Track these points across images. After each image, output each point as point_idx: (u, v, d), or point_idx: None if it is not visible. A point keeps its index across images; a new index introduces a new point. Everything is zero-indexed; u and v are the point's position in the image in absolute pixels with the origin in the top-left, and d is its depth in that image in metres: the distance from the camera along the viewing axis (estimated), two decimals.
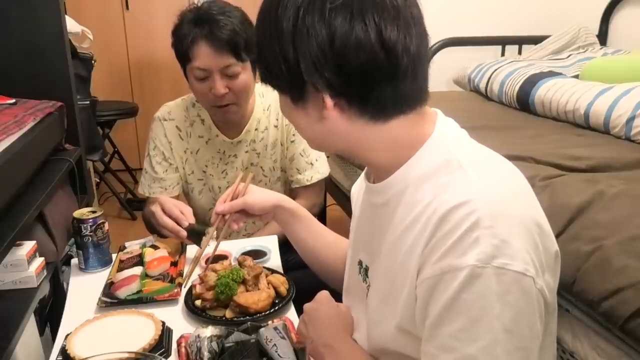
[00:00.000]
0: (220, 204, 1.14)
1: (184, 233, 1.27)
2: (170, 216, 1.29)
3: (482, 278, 0.62)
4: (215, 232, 1.17)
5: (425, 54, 0.73)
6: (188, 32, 1.37)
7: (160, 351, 0.95)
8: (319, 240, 1.15)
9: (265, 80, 0.77)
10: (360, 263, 0.88)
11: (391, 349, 0.78)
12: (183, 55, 1.40)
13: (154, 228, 1.55)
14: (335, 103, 0.70)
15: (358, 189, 0.95)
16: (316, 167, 1.60)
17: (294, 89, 0.72)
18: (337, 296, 0.97)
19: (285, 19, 0.68)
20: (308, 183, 1.59)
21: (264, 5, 0.73)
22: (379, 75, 0.68)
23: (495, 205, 0.65)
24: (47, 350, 1.09)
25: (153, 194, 1.57)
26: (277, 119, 1.57)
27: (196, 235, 1.26)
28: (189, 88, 1.47)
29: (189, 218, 1.30)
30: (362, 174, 0.91)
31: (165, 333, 1.00)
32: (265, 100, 1.57)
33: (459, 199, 0.65)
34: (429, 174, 0.72)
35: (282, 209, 1.15)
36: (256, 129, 1.56)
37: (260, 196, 1.15)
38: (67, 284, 1.26)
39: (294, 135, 1.57)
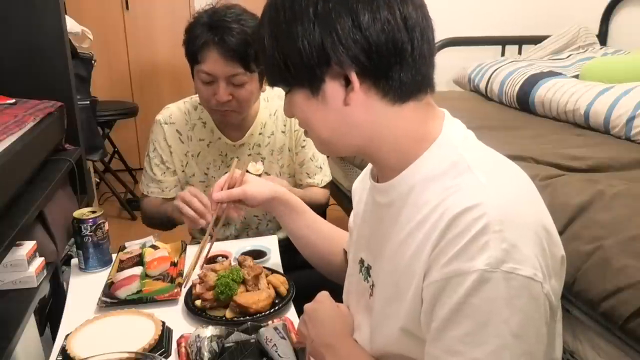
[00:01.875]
0: (217, 190, 1.12)
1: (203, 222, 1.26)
2: (190, 206, 1.28)
3: (491, 282, 0.62)
4: (212, 230, 1.16)
5: (434, 42, 0.74)
6: (200, 35, 1.35)
7: (160, 351, 0.95)
8: (314, 231, 1.15)
9: (277, 77, 0.75)
10: (362, 261, 0.88)
11: (394, 351, 0.77)
12: (192, 55, 1.39)
13: (152, 221, 1.58)
14: (361, 83, 0.70)
15: (361, 187, 0.95)
16: (324, 171, 1.62)
17: (314, 75, 0.70)
18: (338, 297, 0.97)
19: (303, 4, 0.68)
20: (318, 187, 1.61)
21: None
22: (403, 55, 0.69)
23: (504, 209, 0.64)
24: (47, 350, 1.09)
25: (151, 194, 1.58)
26: (284, 125, 1.57)
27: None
28: (194, 87, 1.47)
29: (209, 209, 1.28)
30: (366, 172, 0.91)
31: (165, 333, 1.00)
32: (271, 105, 1.57)
33: (468, 202, 0.65)
34: (436, 176, 0.71)
35: (278, 201, 1.14)
36: (260, 134, 1.56)
37: (258, 188, 1.13)
38: (67, 284, 1.26)
39: (304, 140, 1.57)
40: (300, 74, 0.71)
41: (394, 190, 0.77)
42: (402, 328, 0.74)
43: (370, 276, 0.84)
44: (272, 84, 0.77)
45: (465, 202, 0.65)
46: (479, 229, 0.63)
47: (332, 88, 0.71)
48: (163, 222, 1.53)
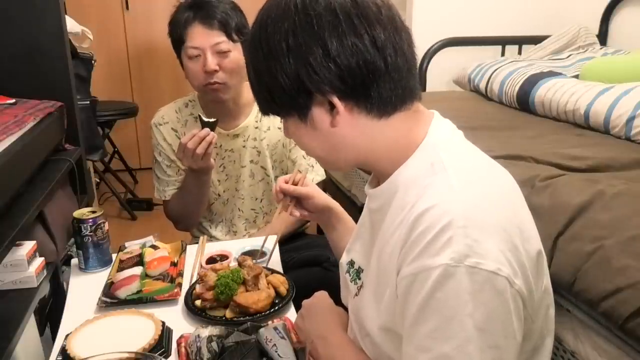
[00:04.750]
0: (282, 182, 1.17)
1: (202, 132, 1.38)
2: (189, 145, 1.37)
3: (455, 277, 0.63)
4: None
5: (414, 53, 0.76)
6: (182, 16, 1.44)
7: (160, 351, 0.96)
8: None
9: (267, 108, 0.78)
10: (351, 263, 0.91)
11: (378, 355, 0.79)
12: (178, 39, 1.46)
13: (178, 222, 1.61)
14: (344, 106, 0.72)
15: None
16: (316, 169, 1.63)
17: (299, 104, 0.74)
18: (337, 297, 0.98)
19: (276, 40, 0.71)
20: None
21: (251, 34, 0.75)
22: (377, 73, 0.71)
23: (469, 207, 0.66)
24: (47, 350, 1.09)
25: (170, 196, 1.61)
26: (281, 121, 1.58)
27: (204, 123, 1.39)
28: (185, 77, 1.50)
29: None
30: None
31: (165, 333, 1.00)
32: None
33: (435, 200, 0.67)
34: (416, 177, 0.73)
35: (333, 212, 1.17)
36: (257, 127, 1.58)
37: (319, 193, 1.18)
38: (67, 284, 1.26)
39: None
40: (285, 105, 0.75)
41: (382, 195, 0.79)
42: (381, 327, 0.76)
43: (360, 278, 0.87)
44: (264, 113, 0.80)
45: (431, 201, 0.67)
46: (443, 225, 0.64)
47: (319, 113, 0.74)
48: (194, 197, 1.54)
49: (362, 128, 0.74)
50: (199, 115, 1.42)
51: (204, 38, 1.42)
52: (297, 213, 1.18)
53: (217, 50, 1.43)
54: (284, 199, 1.17)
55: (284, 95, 0.73)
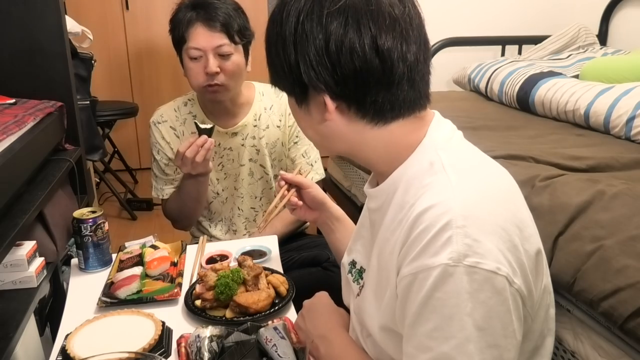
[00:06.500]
0: (284, 174, 1.18)
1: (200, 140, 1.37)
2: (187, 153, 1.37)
3: (454, 277, 0.63)
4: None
5: (424, 61, 0.75)
6: (184, 16, 1.44)
7: (160, 351, 0.95)
8: None
9: (274, 81, 0.79)
10: (353, 263, 0.91)
11: (380, 354, 0.79)
12: (179, 38, 1.46)
13: (183, 212, 1.60)
14: (336, 106, 0.73)
15: None
16: (315, 168, 1.64)
17: (297, 91, 0.75)
18: (337, 297, 0.98)
19: (288, 23, 0.72)
20: None
21: (272, 12, 0.76)
22: (373, 81, 0.71)
23: (469, 206, 0.66)
24: (47, 350, 1.09)
25: (167, 195, 1.61)
26: (280, 120, 1.59)
27: (201, 130, 1.38)
28: (184, 75, 1.50)
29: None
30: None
31: (165, 333, 1.00)
32: (266, 99, 1.60)
33: (434, 200, 0.67)
34: (416, 177, 0.73)
35: (329, 208, 1.18)
36: (255, 126, 1.58)
37: (315, 186, 1.18)
38: (67, 284, 1.26)
39: (297, 137, 1.60)
40: (286, 86, 0.76)
41: (381, 194, 0.80)
42: (382, 327, 0.76)
43: (362, 278, 0.87)
44: (272, 84, 0.81)
45: (431, 200, 0.67)
46: (443, 224, 0.64)
47: (313, 104, 0.75)
48: (192, 199, 1.54)
49: (354, 128, 0.75)
50: (195, 123, 1.42)
51: (206, 40, 1.42)
52: (294, 199, 1.18)
53: (219, 52, 1.42)
54: (284, 187, 1.17)
55: (285, 78, 0.75)
